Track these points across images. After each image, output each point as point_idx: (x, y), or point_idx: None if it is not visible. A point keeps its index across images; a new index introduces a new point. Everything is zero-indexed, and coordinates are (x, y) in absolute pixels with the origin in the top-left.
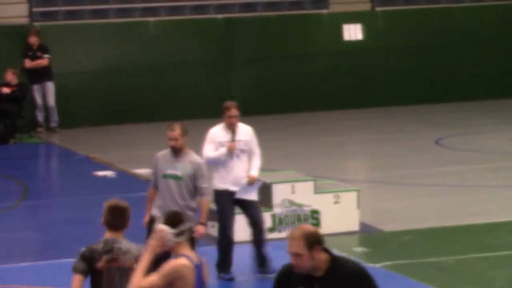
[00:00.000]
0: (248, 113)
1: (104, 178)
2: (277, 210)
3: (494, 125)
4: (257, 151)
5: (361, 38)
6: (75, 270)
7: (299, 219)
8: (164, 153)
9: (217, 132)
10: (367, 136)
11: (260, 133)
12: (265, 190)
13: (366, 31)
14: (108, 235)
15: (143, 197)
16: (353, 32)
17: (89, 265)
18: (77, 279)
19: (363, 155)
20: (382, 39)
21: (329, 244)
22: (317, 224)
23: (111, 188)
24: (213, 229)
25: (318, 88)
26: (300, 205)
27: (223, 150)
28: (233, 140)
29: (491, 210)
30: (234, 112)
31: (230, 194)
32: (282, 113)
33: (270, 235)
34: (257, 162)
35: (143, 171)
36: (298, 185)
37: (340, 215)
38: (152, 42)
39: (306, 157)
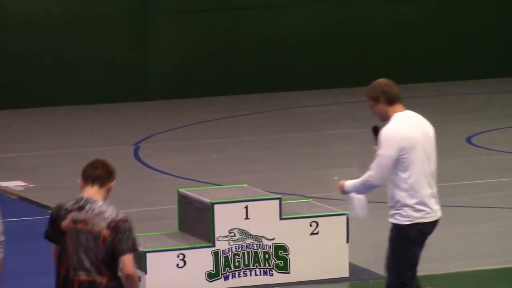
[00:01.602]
0: (174, 95)
1: None
2: (221, 245)
3: None
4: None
5: None
6: (46, 237)
7: (256, 258)
8: None
9: None
10: (357, 129)
11: (192, 126)
12: (203, 215)
13: None
14: (84, 193)
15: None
16: None
17: (55, 225)
18: (52, 248)
19: (353, 159)
20: None
21: None
22: (284, 267)
23: None
24: None
25: (286, 57)
26: (257, 238)
27: None
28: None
29: None
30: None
31: None
32: (227, 94)
33: (211, 285)
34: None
35: (13, 184)
36: (254, 207)
37: (319, 254)
38: None
39: (264, 164)
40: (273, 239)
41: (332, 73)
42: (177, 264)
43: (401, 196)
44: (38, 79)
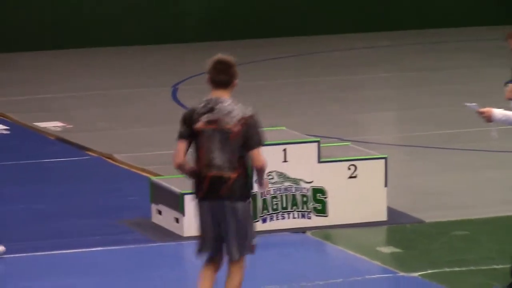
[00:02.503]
0: (209, 37)
1: None
2: (259, 188)
3: None
4: None
5: None
6: (178, 135)
7: (294, 201)
8: None
9: None
10: (394, 74)
11: None
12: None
13: None
14: (212, 94)
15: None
16: None
17: (188, 127)
18: (179, 145)
19: (391, 104)
20: None
21: (339, 240)
22: (322, 210)
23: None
24: None
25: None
26: (295, 181)
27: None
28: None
29: None
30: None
31: None
32: (264, 37)
33: None
34: None
35: (52, 125)
36: (293, 150)
37: (357, 197)
38: None
39: (300, 107)
40: (311, 182)
41: (366, 16)
42: None
43: None
44: (72, 20)
